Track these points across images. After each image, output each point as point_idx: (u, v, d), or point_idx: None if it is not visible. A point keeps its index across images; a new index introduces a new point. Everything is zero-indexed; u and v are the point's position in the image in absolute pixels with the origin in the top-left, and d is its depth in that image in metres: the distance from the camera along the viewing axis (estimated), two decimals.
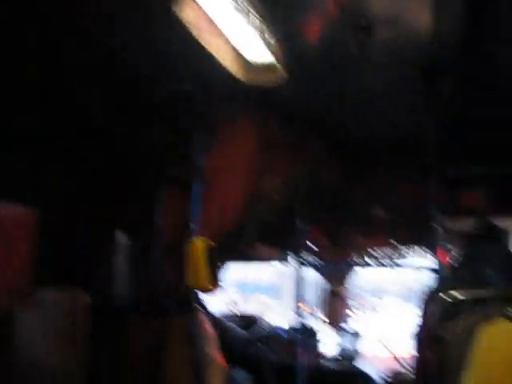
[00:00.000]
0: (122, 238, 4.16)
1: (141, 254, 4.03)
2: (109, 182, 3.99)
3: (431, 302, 2.17)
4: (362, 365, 5.62)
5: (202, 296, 3.70)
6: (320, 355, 5.82)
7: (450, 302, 1.92)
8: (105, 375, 3.72)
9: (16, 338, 3.40)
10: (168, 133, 3.87)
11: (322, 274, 6.28)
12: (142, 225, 4.02)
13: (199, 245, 3.54)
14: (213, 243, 3.59)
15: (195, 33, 2.70)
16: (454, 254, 3.51)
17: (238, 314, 5.49)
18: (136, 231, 4.08)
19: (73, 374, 3.16)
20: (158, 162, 3.94)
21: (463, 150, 3.96)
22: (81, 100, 3.47)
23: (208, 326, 3.83)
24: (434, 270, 3.77)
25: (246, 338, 4.95)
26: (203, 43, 2.79)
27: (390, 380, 5.46)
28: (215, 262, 3.60)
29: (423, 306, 2.54)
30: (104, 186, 4.01)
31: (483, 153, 4.00)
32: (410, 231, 5.50)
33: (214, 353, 3.83)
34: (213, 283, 3.57)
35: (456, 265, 2.97)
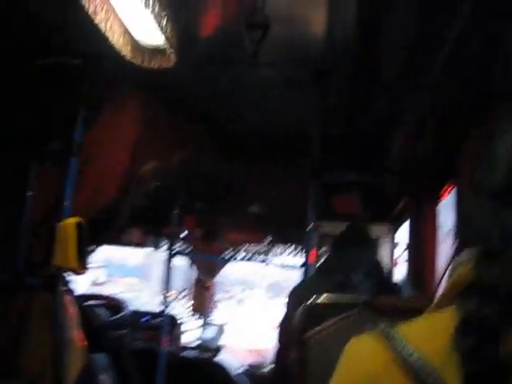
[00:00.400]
0: None
1: (7, 229, 3.89)
2: None
3: (295, 301, 2.20)
4: (222, 356, 5.67)
5: (69, 276, 3.58)
6: (181, 344, 5.85)
7: (314, 304, 1.95)
8: None
9: None
10: (48, 104, 3.75)
11: (193, 263, 6.30)
12: (11, 199, 3.88)
13: (70, 224, 3.43)
14: (84, 223, 3.50)
15: (90, 8, 2.61)
16: (324, 256, 3.61)
17: (104, 296, 5.39)
18: (4, 205, 3.93)
19: None
20: (32, 134, 3.80)
21: (341, 154, 4.07)
22: None
23: (72, 308, 3.74)
24: (303, 270, 3.87)
25: (109, 322, 4.87)
26: (96, 19, 2.71)
27: (249, 372, 5.56)
28: (85, 242, 3.51)
29: (288, 305, 2.58)
30: None
31: (357, 159, 4.13)
32: (284, 229, 5.63)
33: (75, 334, 3.76)
34: (81, 264, 3.48)
35: (324, 267, 3.05)
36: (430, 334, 0.80)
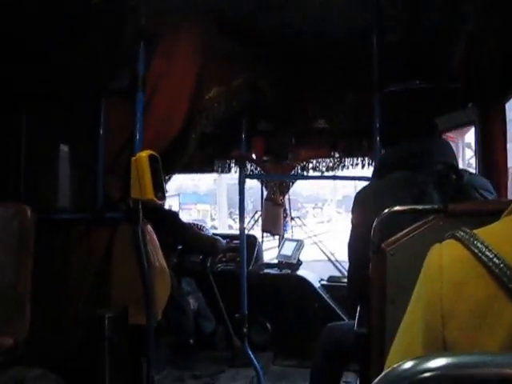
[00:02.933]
0: (64, 150, 4.14)
1: (84, 169, 4.02)
2: (49, 94, 3.92)
3: (370, 211, 2.20)
4: (302, 271, 5.79)
5: (149, 207, 3.70)
6: (262, 262, 6.01)
7: (389, 212, 1.96)
8: (52, 288, 3.79)
9: None
10: (108, 43, 3.80)
11: (265, 184, 6.37)
12: (84, 137, 3.99)
13: (143, 157, 3.52)
14: (156, 155, 3.59)
15: None
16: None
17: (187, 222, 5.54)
18: (79, 144, 4.05)
19: (20, 289, 3.19)
20: (98, 72, 3.86)
21: (402, 63, 3.98)
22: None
23: (153, 237, 3.89)
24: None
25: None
26: None
27: (327, 284, 5.67)
28: (159, 173, 3.60)
29: (362, 215, 2.56)
30: (44, 98, 3.95)
31: (419, 68, 4.02)
32: (352, 143, 5.61)
33: (160, 261, 3.92)
34: (157, 195, 3.59)
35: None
36: (510, 237, 0.80)
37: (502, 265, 0.75)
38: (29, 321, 3.15)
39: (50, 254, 3.77)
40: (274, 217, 6.29)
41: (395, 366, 0.69)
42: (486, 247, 0.78)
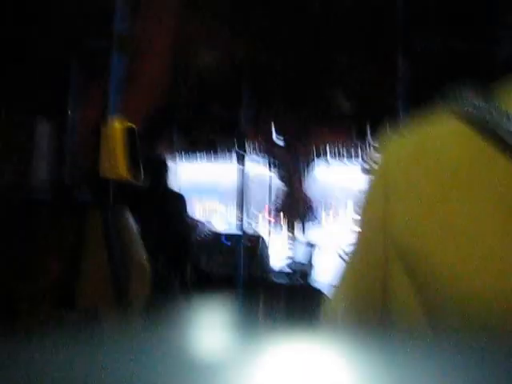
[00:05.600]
0: (33, 121, 3.87)
1: (53, 140, 3.74)
2: (20, 59, 3.68)
3: None
4: (315, 280, 5.47)
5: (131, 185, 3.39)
6: (269, 266, 5.65)
7: None
8: (13, 277, 3.51)
9: None
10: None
11: (277, 173, 6.06)
12: (54, 105, 3.72)
13: (117, 127, 3.20)
14: (133, 125, 3.26)
15: None
16: None
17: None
18: (49, 112, 3.78)
19: None
20: (72, 31, 3.59)
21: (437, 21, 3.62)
22: None
23: (131, 222, 3.57)
24: None
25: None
26: None
27: None
28: (136, 147, 3.27)
29: None
30: (16, 64, 3.71)
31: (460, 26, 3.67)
32: (374, 127, 5.27)
33: (139, 253, 3.60)
34: (133, 172, 3.25)
35: None
36: None
37: None
38: None
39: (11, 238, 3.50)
40: (290, 213, 6.01)
41: None
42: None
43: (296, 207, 6.00)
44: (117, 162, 3.18)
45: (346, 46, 4.24)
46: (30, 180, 3.75)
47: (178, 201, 4.53)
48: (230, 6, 3.81)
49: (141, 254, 3.62)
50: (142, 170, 3.39)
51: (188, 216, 5.25)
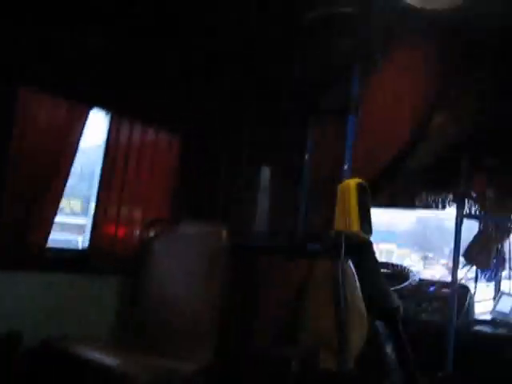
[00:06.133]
0: (267, 174, 4.16)
1: (287, 193, 4.00)
2: (259, 115, 3.97)
3: None
4: None
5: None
6: (473, 316, 5.63)
7: None
8: (241, 317, 3.79)
9: (153, 269, 3.52)
10: (322, 58, 3.77)
11: (484, 226, 5.99)
12: (289, 159, 3.97)
13: (351, 185, 3.39)
14: (365, 183, 3.46)
15: None
16: None
17: (390, 264, 5.33)
18: (282, 166, 4.05)
19: (207, 316, 3.20)
20: (310, 93, 3.84)
21: None
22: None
23: (354, 275, 3.75)
24: None
25: (395, 291, 4.80)
26: None
27: None
28: (367, 204, 3.46)
29: None
30: (253, 120, 4.00)
31: None
32: None
33: (358, 302, 3.77)
34: (364, 228, 3.45)
35: None
36: None
37: None
38: (213, 350, 3.14)
39: (241, 282, 3.78)
40: (483, 248, 5.90)
41: None
42: None
43: (489, 248, 5.90)
44: (351, 217, 3.38)
45: None
46: (266, 226, 4.05)
47: (371, 245, 4.63)
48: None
49: (361, 302, 3.80)
50: (371, 226, 3.59)
51: (397, 265, 5.37)
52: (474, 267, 6.05)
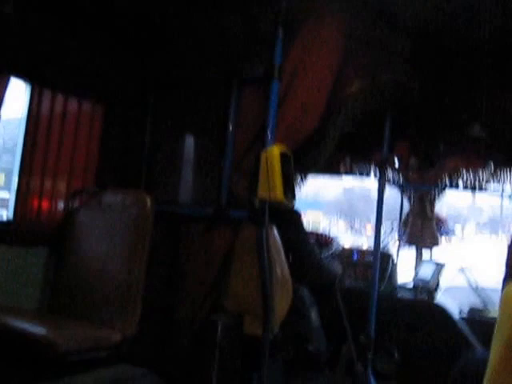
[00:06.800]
0: (190, 141, 4.19)
1: (210, 162, 4.04)
2: (179, 80, 3.99)
3: None
4: (441, 298, 5.57)
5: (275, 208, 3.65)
6: (395, 283, 5.81)
7: None
8: (164, 285, 3.85)
9: (77, 239, 3.53)
10: (245, 27, 3.79)
11: (407, 194, 6.18)
12: (212, 129, 4.00)
13: (274, 153, 3.46)
14: (288, 152, 3.53)
15: None
16: None
17: (314, 233, 5.44)
18: (206, 136, 4.08)
19: (132, 283, 3.24)
20: (231, 58, 3.87)
21: None
22: None
23: (277, 242, 3.83)
24: None
25: (319, 258, 4.91)
26: None
27: (468, 316, 5.42)
28: (291, 172, 3.54)
29: None
30: (173, 84, 4.02)
31: None
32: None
33: (282, 269, 3.86)
34: (288, 196, 3.52)
35: None
36: None
37: None
38: (138, 317, 3.19)
39: (166, 248, 3.82)
40: (424, 229, 6.08)
41: None
42: None
43: (425, 230, 6.08)
44: (274, 185, 3.45)
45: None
46: (189, 195, 4.09)
47: (300, 217, 4.72)
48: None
49: (285, 268, 3.89)
50: (295, 194, 3.67)
51: (321, 234, 5.51)
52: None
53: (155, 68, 3.98)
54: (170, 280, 3.87)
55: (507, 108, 4.51)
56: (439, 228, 6.18)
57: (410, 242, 6.17)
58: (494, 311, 5.16)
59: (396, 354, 5.19)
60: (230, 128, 3.85)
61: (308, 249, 4.66)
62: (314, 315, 4.63)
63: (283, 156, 3.48)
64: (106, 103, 4.03)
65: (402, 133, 5.11)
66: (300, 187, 5.41)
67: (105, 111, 4.03)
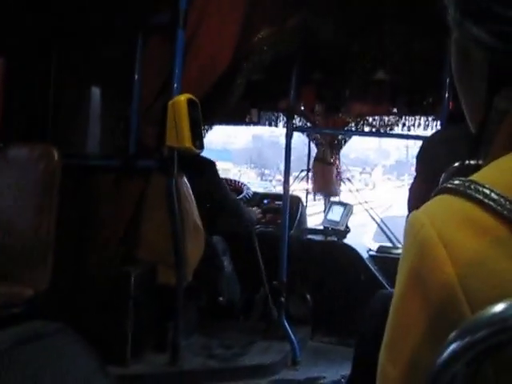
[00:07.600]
0: (96, 92, 4.15)
1: (118, 112, 4.02)
2: (82, 29, 3.92)
3: (440, 158, 2.12)
4: (349, 239, 5.72)
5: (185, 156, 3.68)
6: (305, 226, 5.93)
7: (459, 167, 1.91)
8: (76, 238, 3.84)
9: None
10: None
11: (314, 139, 6.26)
12: (118, 79, 3.97)
13: (181, 101, 3.49)
14: (196, 99, 3.56)
15: None
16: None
17: (224, 179, 5.48)
18: (112, 86, 4.05)
19: (42, 236, 3.22)
20: (135, 5, 3.83)
21: None
22: None
23: (189, 190, 3.87)
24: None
25: (238, 204, 4.95)
26: None
27: (375, 254, 5.58)
28: (198, 120, 3.57)
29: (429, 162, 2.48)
30: (76, 33, 3.94)
31: None
32: (415, 99, 5.43)
33: (194, 216, 3.91)
34: (196, 143, 3.56)
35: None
36: None
37: None
38: (50, 271, 3.17)
39: (75, 201, 3.80)
40: (326, 177, 6.18)
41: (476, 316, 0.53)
42: (498, 194, 0.58)
43: (329, 174, 6.19)
44: (182, 133, 3.48)
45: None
46: (97, 147, 4.07)
47: (214, 166, 4.74)
48: None
49: (196, 216, 3.94)
50: (203, 141, 3.71)
51: (231, 180, 5.57)
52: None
53: (57, 18, 3.88)
54: (82, 233, 3.86)
55: (412, 48, 4.55)
56: (338, 175, 6.31)
57: (314, 191, 6.28)
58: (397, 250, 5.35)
59: (309, 298, 5.32)
60: (136, 77, 3.83)
61: (228, 197, 4.70)
62: (226, 264, 4.70)
63: (191, 103, 3.51)
64: (7, 55, 3.92)
65: (309, 78, 5.15)
66: (207, 135, 5.42)
67: (6, 64, 3.92)
